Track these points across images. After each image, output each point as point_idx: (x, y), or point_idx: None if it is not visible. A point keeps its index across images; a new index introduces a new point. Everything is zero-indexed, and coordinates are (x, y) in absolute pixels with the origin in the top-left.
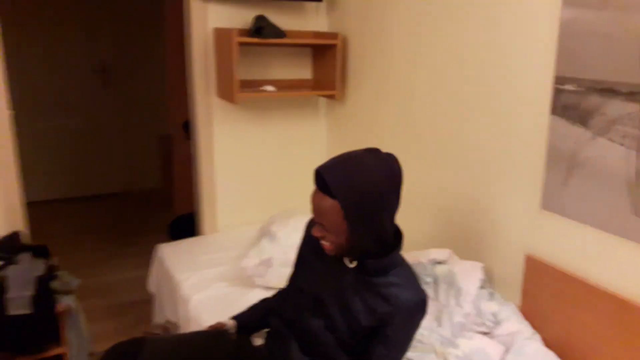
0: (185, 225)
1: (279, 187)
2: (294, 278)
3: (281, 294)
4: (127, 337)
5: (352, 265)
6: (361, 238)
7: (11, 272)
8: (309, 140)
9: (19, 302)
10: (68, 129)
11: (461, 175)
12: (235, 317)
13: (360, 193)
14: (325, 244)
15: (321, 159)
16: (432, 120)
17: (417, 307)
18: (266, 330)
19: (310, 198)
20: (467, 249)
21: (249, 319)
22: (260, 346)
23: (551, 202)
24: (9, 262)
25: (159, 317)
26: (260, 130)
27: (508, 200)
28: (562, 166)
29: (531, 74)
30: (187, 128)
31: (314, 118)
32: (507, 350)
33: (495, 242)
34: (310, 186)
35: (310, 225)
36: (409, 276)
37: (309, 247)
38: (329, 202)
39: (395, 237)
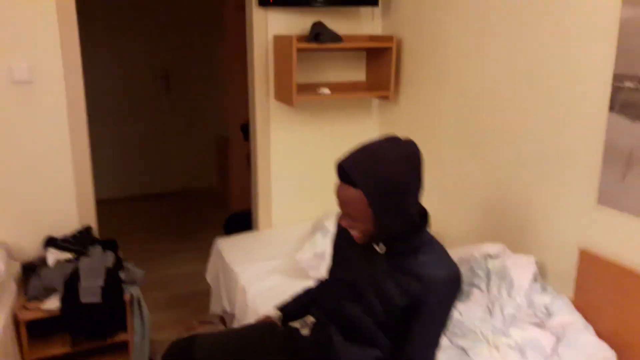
0: (240, 221)
1: (331, 185)
2: (332, 270)
3: (322, 285)
4: (184, 326)
5: (382, 250)
6: (387, 223)
7: (83, 263)
8: (361, 140)
9: (91, 291)
10: (132, 131)
11: (517, 171)
12: (280, 308)
13: (382, 181)
14: (354, 233)
15: None
16: (488, 118)
17: (449, 282)
18: (312, 321)
19: (334, 191)
20: (520, 243)
21: (293, 309)
22: (306, 336)
23: (608, 196)
24: (82, 254)
25: (215, 308)
26: (315, 131)
27: (563, 195)
28: (619, 162)
29: (590, 72)
30: (244, 130)
31: (367, 119)
32: (559, 341)
33: (549, 237)
34: None
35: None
36: (439, 253)
37: (342, 239)
38: (352, 192)
39: (421, 216)
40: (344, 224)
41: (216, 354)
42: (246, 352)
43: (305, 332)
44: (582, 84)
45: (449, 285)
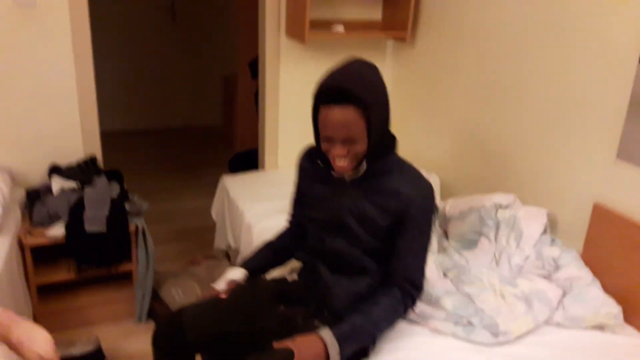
0: (244, 161)
1: None
2: (300, 214)
3: (288, 233)
4: (190, 259)
5: (359, 173)
6: (377, 140)
7: (88, 192)
8: None
9: (96, 220)
10: (137, 64)
11: (535, 120)
12: (243, 265)
13: (375, 92)
14: (343, 163)
15: None
16: (508, 63)
17: (425, 197)
18: (297, 267)
19: (323, 117)
20: (532, 195)
21: (256, 264)
22: (295, 281)
23: (628, 151)
24: (87, 183)
25: (220, 243)
26: (325, 70)
27: (582, 147)
28: None
29: (620, 21)
30: (252, 67)
31: (380, 61)
32: (565, 294)
33: (562, 189)
34: None
35: (307, 157)
36: (412, 171)
37: (306, 180)
38: (352, 111)
39: (390, 139)
40: (340, 152)
41: (207, 321)
42: (237, 311)
43: (292, 278)
44: (612, 31)
45: (425, 199)
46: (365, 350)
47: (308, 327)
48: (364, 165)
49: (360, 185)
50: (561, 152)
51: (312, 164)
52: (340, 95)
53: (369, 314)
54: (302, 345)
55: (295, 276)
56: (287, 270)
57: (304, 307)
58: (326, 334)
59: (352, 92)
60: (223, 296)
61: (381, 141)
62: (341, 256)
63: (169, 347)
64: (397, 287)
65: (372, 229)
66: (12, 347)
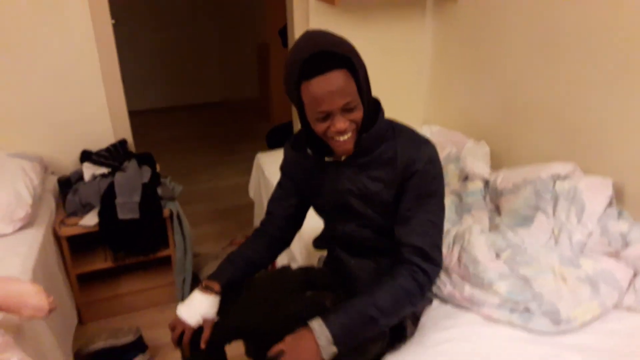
0: (282, 134)
1: (380, 95)
2: (287, 206)
3: (262, 238)
4: (229, 239)
5: (355, 149)
6: (368, 105)
7: (119, 178)
8: (413, 44)
9: (128, 207)
10: (166, 38)
11: (595, 80)
12: (213, 284)
13: (352, 50)
14: (347, 140)
15: (424, 63)
16: (562, 19)
17: (424, 159)
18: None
19: (311, 92)
20: (594, 163)
21: (231, 278)
22: (321, 268)
23: None
24: (118, 168)
25: (258, 222)
26: (361, 35)
27: None
28: None
29: None
30: (283, 35)
31: (420, 20)
32: (636, 274)
33: (630, 156)
34: (408, 93)
35: (292, 148)
36: (405, 133)
37: (297, 168)
38: (342, 75)
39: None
40: (343, 125)
41: (235, 317)
42: (264, 302)
43: (319, 266)
44: None
45: (425, 160)
46: (403, 331)
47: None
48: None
49: (355, 162)
50: (627, 113)
51: (300, 153)
52: (322, 62)
53: (370, 296)
54: (292, 342)
55: (321, 264)
56: (314, 259)
57: (332, 291)
58: (315, 322)
59: (335, 53)
60: (203, 345)
61: (369, 106)
62: (355, 240)
63: (197, 344)
64: (405, 262)
65: (378, 205)
66: (5, 309)
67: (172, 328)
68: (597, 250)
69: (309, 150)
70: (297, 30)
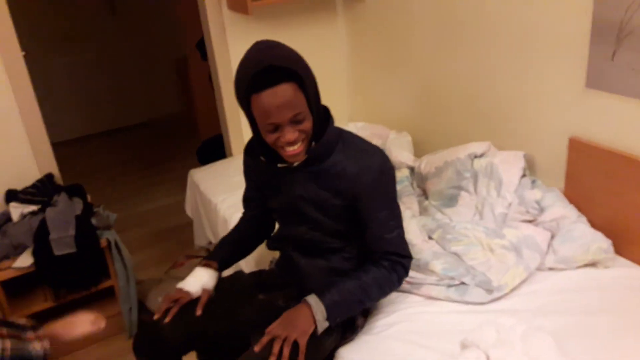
0: (213, 148)
1: None
2: (256, 205)
3: (246, 224)
4: (172, 262)
5: (302, 158)
6: (317, 116)
7: (51, 213)
8: (328, 45)
9: (63, 242)
10: (80, 63)
11: (497, 61)
12: (211, 263)
13: (299, 61)
14: (295, 149)
15: (342, 65)
16: (462, 5)
17: (373, 166)
18: (274, 258)
19: (261, 105)
20: (506, 139)
21: (226, 261)
22: (273, 269)
23: (597, 78)
24: (47, 204)
25: (200, 240)
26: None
27: (549, 81)
28: (609, 39)
29: None
30: (200, 48)
31: (332, 21)
32: (553, 236)
33: (536, 128)
34: (331, 93)
35: (248, 154)
36: (354, 144)
37: (254, 173)
38: (290, 88)
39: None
40: (292, 137)
41: (186, 323)
42: (216, 308)
43: (270, 267)
44: None
45: (374, 170)
46: (354, 323)
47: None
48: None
49: (306, 169)
50: (529, 89)
51: (255, 159)
52: (271, 75)
53: (358, 279)
54: (291, 312)
55: (273, 266)
56: (265, 263)
57: (283, 290)
58: (311, 298)
59: (282, 66)
60: (199, 311)
61: (320, 115)
62: (306, 241)
63: (151, 353)
64: (383, 259)
65: (329, 211)
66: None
67: (169, 297)
68: (517, 219)
69: (262, 158)
70: (215, 42)
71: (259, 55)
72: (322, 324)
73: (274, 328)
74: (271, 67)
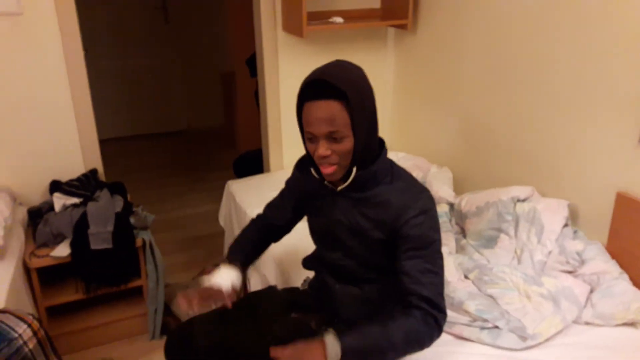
0: (249, 163)
1: None
2: (277, 216)
3: (258, 226)
4: (200, 269)
5: (345, 185)
6: (362, 141)
7: (92, 208)
8: (376, 74)
9: (101, 237)
10: (131, 67)
11: (548, 107)
12: (233, 262)
13: (357, 87)
14: (329, 168)
15: (387, 92)
16: (515, 47)
17: (420, 204)
18: (308, 278)
19: (306, 114)
20: (550, 186)
21: (246, 259)
22: (307, 290)
23: None
24: (89, 198)
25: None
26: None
27: (600, 133)
28: None
29: None
30: (250, 65)
31: (382, 50)
32: (592, 290)
33: (582, 178)
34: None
35: (300, 167)
36: (403, 179)
37: (299, 188)
38: (337, 106)
39: (380, 146)
40: (324, 152)
41: (217, 331)
42: (248, 320)
43: (304, 287)
44: (635, 6)
45: (421, 208)
46: None
47: (321, 333)
48: (353, 173)
49: (350, 195)
50: (580, 139)
51: (304, 174)
52: (321, 89)
53: (384, 327)
54: (303, 346)
55: (307, 286)
56: (298, 280)
57: (316, 313)
58: (329, 337)
59: (334, 84)
60: (228, 303)
61: (369, 145)
62: (340, 267)
63: (181, 357)
64: (415, 308)
65: (365, 242)
66: None
67: (200, 291)
68: (556, 268)
69: (312, 171)
70: (267, 61)
71: (323, 69)
72: None
73: (283, 355)
74: (324, 81)
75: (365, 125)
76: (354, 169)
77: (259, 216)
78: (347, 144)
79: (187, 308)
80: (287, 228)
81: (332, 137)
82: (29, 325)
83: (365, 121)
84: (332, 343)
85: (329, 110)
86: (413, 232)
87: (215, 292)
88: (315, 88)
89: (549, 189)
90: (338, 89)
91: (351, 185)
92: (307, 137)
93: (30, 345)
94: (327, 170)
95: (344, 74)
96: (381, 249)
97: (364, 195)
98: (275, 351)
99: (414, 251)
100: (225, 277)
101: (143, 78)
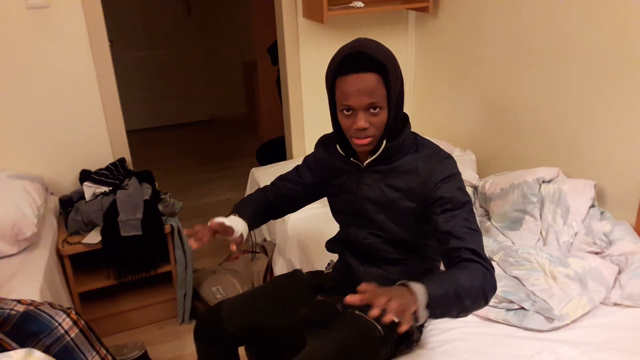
0: (272, 150)
1: None
2: (291, 190)
3: (268, 194)
4: (226, 255)
5: (374, 157)
6: (393, 114)
7: (121, 196)
8: (397, 58)
9: (130, 224)
10: (155, 57)
11: (575, 86)
12: (242, 215)
13: (392, 60)
14: (365, 138)
15: (409, 76)
16: (538, 29)
17: (445, 169)
18: (334, 260)
19: (343, 87)
20: (577, 167)
21: (254, 219)
22: (330, 273)
23: None
24: (118, 187)
25: (255, 237)
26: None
27: (629, 112)
28: None
29: None
30: (272, 53)
31: (403, 34)
32: (620, 271)
33: (608, 159)
34: None
35: (323, 145)
36: (428, 146)
37: (322, 166)
38: (374, 78)
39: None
40: (364, 124)
41: (245, 313)
42: (275, 303)
43: (328, 270)
44: None
45: (448, 172)
46: (410, 337)
47: (347, 315)
48: (381, 146)
49: (376, 169)
50: (606, 118)
51: (329, 152)
52: (359, 62)
53: (453, 278)
54: (398, 287)
55: (330, 269)
56: (323, 264)
57: (341, 295)
58: (413, 284)
59: (372, 57)
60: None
61: (398, 118)
62: (365, 247)
63: (210, 340)
64: (469, 261)
65: (396, 215)
66: None
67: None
68: (583, 249)
69: (338, 147)
70: (288, 48)
71: (355, 43)
72: (423, 313)
73: (375, 289)
74: (362, 54)
75: (397, 97)
76: (384, 142)
77: (268, 186)
78: (383, 116)
79: (196, 246)
80: (296, 204)
81: (370, 110)
82: (68, 315)
83: (397, 92)
84: (418, 289)
85: (370, 83)
86: (445, 194)
87: (224, 228)
88: (353, 61)
89: (574, 170)
90: (378, 62)
91: (379, 157)
92: (343, 110)
93: (72, 334)
94: (361, 142)
95: (381, 48)
96: (412, 219)
97: (391, 166)
98: (359, 289)
99: (451, 212)
100: (235, 222)
101: (167, 69)
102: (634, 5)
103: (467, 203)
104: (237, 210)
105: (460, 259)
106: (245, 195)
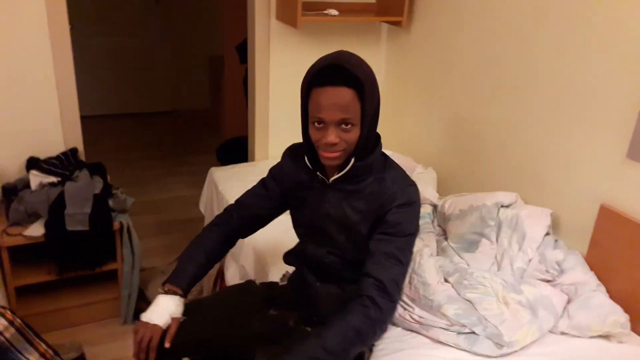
0: (233, 149)
1: None
2: (258, 205)
3: (222, 228)
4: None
5: (339, 174)
6: (366, 133)
7: (70, 188)
8: None
9: (77, 219)
10: (118, 44)
11: (538, 115)
12: (176, 284)
13: (369, 78)
14: (333, 154)
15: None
16: (508, 53)
17: (406, 195)
18: (289, 272)
19: (317, 99)
20: (534, 193)
21: (192, 280)
22: (285, 285)
23: (639, 151)
24: (68, 178)
25: None
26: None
27: (589, 145)
28: None
29: (636, 14)
30: (240, 51)
31: (375, 46)
32: (569, 301)
33: (567, 188)
34: None
35: (291, 155)
36: (394, 171)
37: (287, 178)
38: (349, 93)
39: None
40: (334, 139)
41: (191, 325)
42: (224, 315)
43: (283, 282)
44: (626, 23)
45: (406, 199)
46: (362, 357)
47: (299, 332)
48: (351, 163)
49: (341, 187)
50: (567, 148)
51: (296, 163)
52: (337, 75)
53: (319, 339)
54: None
55: (286, 281)
56: (277, 274)
57: (295, 311)
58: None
59: (351, 72)
60: (167, 344)
61: (369, 137)
62: (323, 264)
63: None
64: (361, 294)
65: (353, 236)
66: None
67: (137, 333)
68: (535, 276)
69: (306, 159)
70: (258, 49)
71: (336, 55)
72: None
73: None
74: (342, 67)
75: (371, 116)
76: (352, 160)
77: (233, 207)
78: (355, 133)
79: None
80: (263, 220)
81: (342, 125)
82: (3, 316)
83: (372, 111)
84: None
85: (345, 98)
86: (392, 219)
87: (154, 335)
88: (331, 73)
89: (532, 196)
90: (356, 77)
91: (345, 176)
92: (315, 122)
93: (7, 335)
94: (330, 155)
95: (361, 64)
96: (366, 244)
97: (356, 188)
98: None
99: (387, 235)
100: (161, 312)
101: (130, 56)
102: (596, 42)
103: (411, 236)
104: (172, 278)
105: (359, 287)
106: (195, 237)
